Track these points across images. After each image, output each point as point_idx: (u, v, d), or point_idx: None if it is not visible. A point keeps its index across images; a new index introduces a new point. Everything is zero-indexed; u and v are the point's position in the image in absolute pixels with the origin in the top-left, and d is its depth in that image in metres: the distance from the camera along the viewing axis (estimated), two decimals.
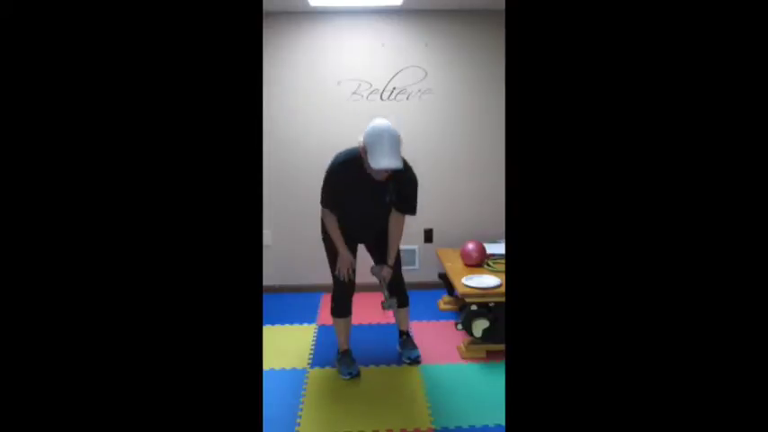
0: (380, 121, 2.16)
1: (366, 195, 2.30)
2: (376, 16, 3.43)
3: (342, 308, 2.56)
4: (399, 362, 2.68)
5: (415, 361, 2.65)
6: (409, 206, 2.40)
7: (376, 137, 2.11)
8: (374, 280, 2.60)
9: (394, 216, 2.42)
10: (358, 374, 2.56)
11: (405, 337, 2.76)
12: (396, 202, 2.36)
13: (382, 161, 2.08)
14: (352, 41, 3.45)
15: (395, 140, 2.12)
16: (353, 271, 2.49)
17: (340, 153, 2.31)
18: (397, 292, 2.61)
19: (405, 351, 2.72)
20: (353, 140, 3.51)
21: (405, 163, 2.25)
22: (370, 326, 3.02)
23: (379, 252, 2.55)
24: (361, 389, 2.43)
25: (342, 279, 2.46)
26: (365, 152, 2.13)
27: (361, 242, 2.59)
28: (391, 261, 2.50)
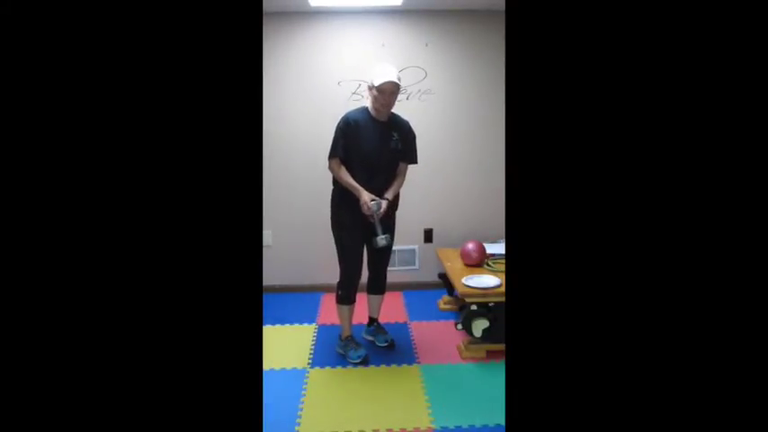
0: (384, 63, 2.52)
1: (374, 140, 2.51)
2: (376, 16, 3.42)
3: (348, 295, 2.66)
4: (399, 362, 2.68)
5: (391, 344, 2.81)
6: (411, 155, 2.67)
7: (379, 66, 2.47)
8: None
9: (398, 166, 2.66)
10: (367, 358, 2.66)
11: (376, 325, 2.89)
12: (400, 150, 2.59)
13: (389, 76, 2.39)
14: (352, 41, 3.45)
15: (395, 68, 2.50)
16: (360, 259, 2.62)
17: (349, 111, 2.59)
18: (380, 278, 2.77)
19: (378, 337, 2.85)
20: None
21: (405, 120, 2.63)
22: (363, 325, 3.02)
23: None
24: (360, 389, 2.43)
25: (350, 271, 2.59)
26: (371, 87, 2.43)
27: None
28: (390, 196, 2.58)
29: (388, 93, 2.43)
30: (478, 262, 3.04)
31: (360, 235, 2.61)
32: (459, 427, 2.15)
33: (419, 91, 3.52)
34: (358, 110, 2.59)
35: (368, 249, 2.70)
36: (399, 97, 3.53)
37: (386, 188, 2.60)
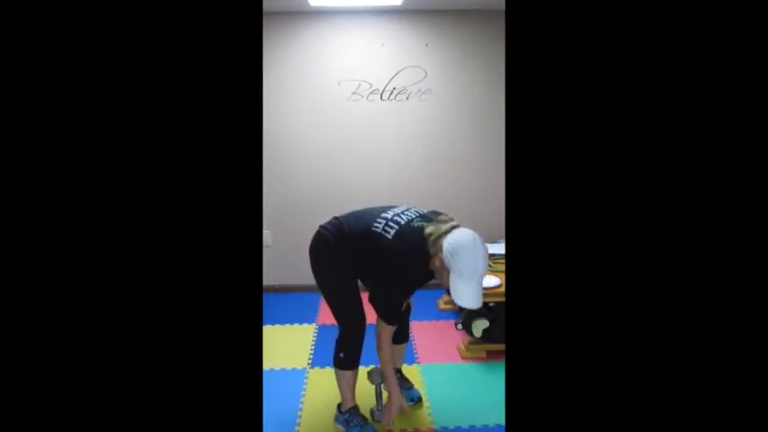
0: (479, 247, 1.74)
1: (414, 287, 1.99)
2: (376, 16, 3.42)
3: (351, 359, 2.05)
4: None
5: (418, 401, 2.32)
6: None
7: (473, 267, 1.70)
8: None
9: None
10: None
11: (399, 376, 2.34)
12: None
13: (471, 300, 1.73)
14: (352, 41, 3.45)
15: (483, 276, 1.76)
16: (363, 310, 2.05)
17: (404, 249, 1.81)
18: (403, 326, 2.27)
19: (402, 392, 2.24)
20: (353, 140, 3.54)
21: None
22: (371, 326, 3.02)
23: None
24: (360, 389, 2.43)
25: (355, 324, 2.03)
26: (447, 266, 1.73)
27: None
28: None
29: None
30: None
31: (353, 279, 2.03)
32: (459, 427, 2.15)
33: (419, 91, 3.52)
34: (419, 259, 1.81)
35: None
36: (399, 97, 3.56)
37: None
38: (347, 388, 2.12)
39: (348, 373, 2.09)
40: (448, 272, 1.73)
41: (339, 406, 2.18)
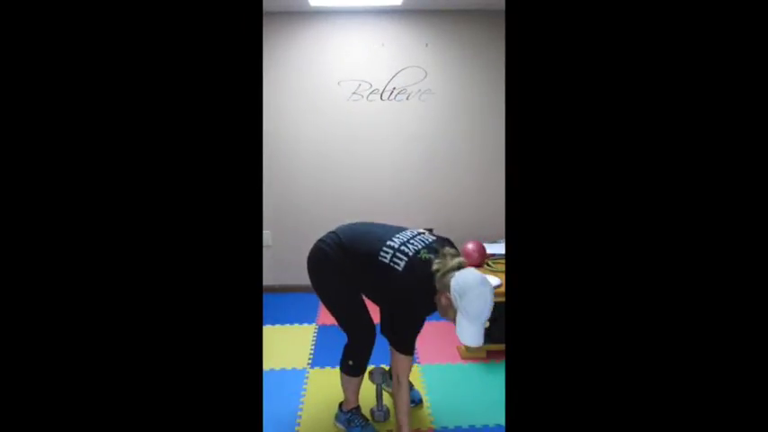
0: (487, 290, 1.74)
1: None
2: (376, 16, 3.42)
3: (360, 366, 2.05)
4: None
5: (419, 402, 2.32)
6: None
7: (479, 308, 1.70)
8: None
9: None
10: None
11: None
12: None
13: (474, 339, 1.72)
14: (352, 41, 3.45)
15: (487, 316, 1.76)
16: (371, 320, 2.04)
17: (415, 288, 1.81)
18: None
19: None
20: (353, 140, 3.54)
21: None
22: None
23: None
24: (361, 389, 2.42)
25: (363, 334, 2.02)
26: (454, 305, 1.73)
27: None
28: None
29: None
30: (479, 262, 3.04)
31: (356, 288, 2.03)
32: (459, 427, 2.15)
33: (419, 91, 3.52)
34: (425, 296, 1.82)
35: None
36: (399, 97, 3.56)
37: None
38: (352, 391, 2.12)
39: (355, 379, 2.09)
40: (454, 311, 1.73)
41: (341, 405, 2.17)
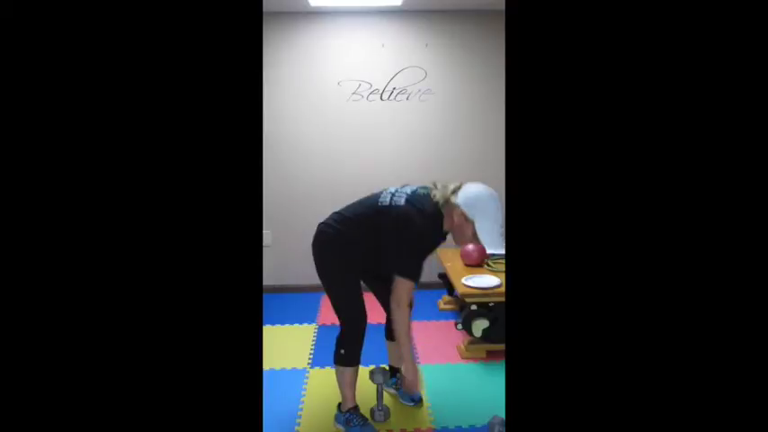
0: (490, 192, 1.81)
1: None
2: (376, 16, 3.43)
3: (352, 355, 2.06)
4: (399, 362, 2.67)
5: (419, 401, 2.30)
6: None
7: (491, 210, 1.77)
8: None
9: None
10: None
11: (400, 376, 2.17)
12: None
13: (500, 245, 1.76)
14: (352, 41, 3.45)
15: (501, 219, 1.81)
16: (364, 308, 2.07)
17: (419, 215, 1.86)
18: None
19: (402, 392, 2.33)
20: (353, 140, 3.55)
21: None
22: (371, 325, 3.02)
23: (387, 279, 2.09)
24: (361, 389, 2.43)
25: (357, 321, 2.05)
26: (469, 218, 1.78)
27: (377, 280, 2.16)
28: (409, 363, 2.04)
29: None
30: (478, 262, 3.04)
31: (356, 278, 2.08)
32: (459, 427, 2.15)
33: (419, 91, 3.52)
34: (432, 220, 1.88)
35: (380, 290, 2.19)
36: (399, 97, 3.56)
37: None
38: (348, 387, 2.11)
39: (348, 371, 2.08)
40: (470, 224, 1.78)
41: (339, 405, 2.17)
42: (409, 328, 1.96)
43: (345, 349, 2.05)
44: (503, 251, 1.71)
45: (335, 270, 2.02)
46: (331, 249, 2.01)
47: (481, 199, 1.78)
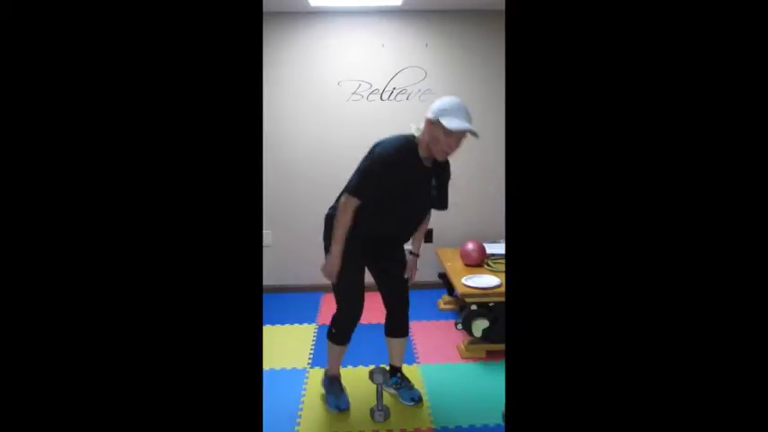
0: (452, 97, 1.99)
1: (416, 190, 2.05)
2: (376, 16, 3.43)
3: (343, 336, 2.23)
4: None
5: (419, 401, 2.32)
6: (444, 200, 2.23)
7: (454, 104, 1.92)
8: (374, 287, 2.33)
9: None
10: (347, 409, 2.27)
11: (400, 376, 2.37)
12: (434, 198, 2.14)
13: (464, 123, 1.89)
14: (352, 42, 3.45)
15: (465, 108, 1.96)
16: (363, 292, 2.17)
17: (389, 139, 2.00)
18: (399, 316, 2.30)
19: (402, 392, 2.35)
20: (353, 140, 3.54)
21: (448, 162, 2.17)
22: (371, 325, 3.02)
23: (388, 273, 2.25)
24: (361, 389, 2.43)
25: (351, 310, 2.18)
26: (434, 121, 1.91)
27: (379, 258, 2.21)
28: (418, 250, 2.31)
29: (458, 138, 1.94)
30: (478, 262, 3.04)
31: (361, 264, 2.17)
32: (459, 427, 2.15)
33: (419, 91, 3.52)
34: (402, 143, 1.98)
35: (380, 286, 2.28)
36: (399, 97, 3.56)
37: (408, 236, 2.21)
38: (334, 358, 2.32)
39: (338, 348, 2.28)
40: (439, 127, 1.89)
41: (326, 372, 2.40)
42: (342, 231, 2.01)
43: (337, 330, 2.23)
44: (469, 127, 1.89)
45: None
46: (331, 228, 2.07)
47: (445, 102, 1.92)
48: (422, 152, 2.00)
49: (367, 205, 1.98)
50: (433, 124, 1.91)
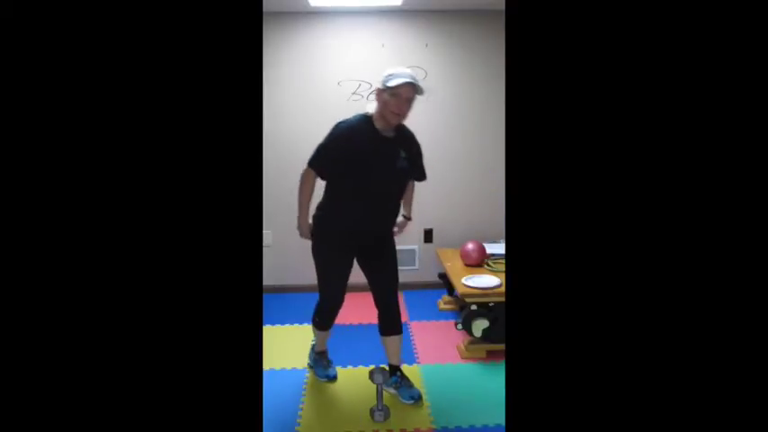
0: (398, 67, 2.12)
1: (380, 163, 2.10)
2: (376, 16, 3.42)
3: (324, 323, 2.43)
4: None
5: (419, 400, 2.31)
6: (420, 171, 2.31)
7: (398, 70, 2.03)
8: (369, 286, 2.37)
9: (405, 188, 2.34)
10: (335, 378, 2.51)
11: (399, 375, 2.36)
12: (407, 169, 2.20)
13: (405, 77, 1.98)
14: (352, 41, 3.45)
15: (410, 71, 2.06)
16: (345, 284, 2.30)
17: (345, 119, 2.14)
18: (391, 314, 2.30)
19: (402, 391, 2.33)
20: None
21: (410, 131, 2.26)
22: (371, 325, 3.02)
23: (379, 272, 2.30)
24: (360, 389, 2.43)
25: (331, 301, 2.34)
26: (382, 89, 2.02)
27: (361, 238, 2.25)
28: (409, 213, 2.45)
29: (404, 98, 2.00)
30: (478, 262, 3.04)
31: (349, 257, 2.27)
32: (459, 427, 2.15)
33: None
34: (357, 119, 2.12)
35: (371, 284, 2.32)
36: None
37: (392, 223, 2.30)
38: (321, 340, 2.55)
39: (321, 333, 2.50)
40: (388, 92, 2.00)
41: (313, 346, 2.61)
42: (303, 199, 2.21)
43: (320, 318, 2.43)
44: (408, 79, 1.98)
45: (320, 248, 2.25)
46: (317, 226, 2.24)
47: (391, 71, 2.02)
48: (378, 124, 2.09)
49: (339, 185, 2.14)
50: (382, 92, 2.03)
